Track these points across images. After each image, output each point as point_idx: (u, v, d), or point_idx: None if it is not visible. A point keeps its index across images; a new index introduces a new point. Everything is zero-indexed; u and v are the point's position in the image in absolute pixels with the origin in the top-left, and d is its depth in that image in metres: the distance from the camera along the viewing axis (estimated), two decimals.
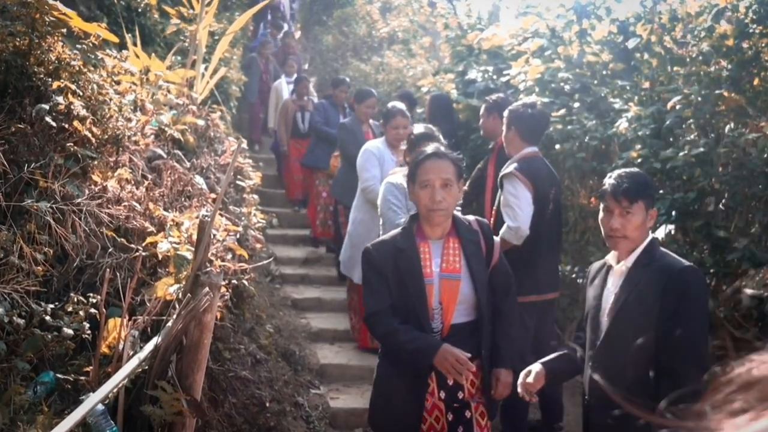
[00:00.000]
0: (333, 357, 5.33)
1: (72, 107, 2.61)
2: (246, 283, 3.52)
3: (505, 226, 4.02)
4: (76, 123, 2.63)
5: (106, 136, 3.05)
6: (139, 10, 6.54)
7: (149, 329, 2.52)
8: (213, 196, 4.22)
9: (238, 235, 4.14)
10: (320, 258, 7.52)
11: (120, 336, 2.40)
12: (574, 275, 5.55)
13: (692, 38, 4.84)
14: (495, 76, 6.42)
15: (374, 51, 11.35)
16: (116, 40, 3.31)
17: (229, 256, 3.62)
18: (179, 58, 6.22)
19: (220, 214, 4.10)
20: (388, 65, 9.72)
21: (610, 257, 2.86)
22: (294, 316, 6.01)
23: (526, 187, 3.98)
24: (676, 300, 2.58)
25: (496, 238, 2.89)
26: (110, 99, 3.07)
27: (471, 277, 2.72)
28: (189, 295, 2.24)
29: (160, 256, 2.59)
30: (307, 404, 4.49)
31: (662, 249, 2.79)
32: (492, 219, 4.30)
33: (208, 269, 2.36)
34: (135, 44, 4.76)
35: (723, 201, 4.28)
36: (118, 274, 2.85)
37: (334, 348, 5.54)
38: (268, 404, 3.86)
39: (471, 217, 2.90)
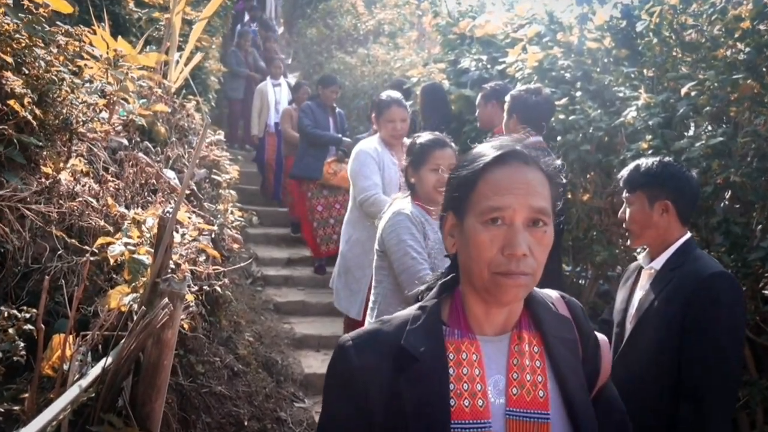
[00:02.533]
0: (318, 366, 4.96)
1: (3, 82, 2.20)
2: (219, 289, 3.13)
3: None
4: (12, 102, 2.22)
5: (57, 121, 2.64)
6: None
7: (100, 347, 2.13)
8: (185, 191, 3.83)
9: (213, 235, 3.76)
10: (304, 258, 7.14)
11: (65, 355, 2.00)
12: (576, 277, 5.20)
13: (701, 21, 4.52)
14: (489, 65, 6.06)
15: (360, 44, 10.99)
16: (69, 9, 2.90)
17: (203, 258, 3.24)
18: (153, 47, 5.84)
19: (193, 212, 3.71)
20: (375, 57, 9.35)
21: (642, 258, 2.54)
22: (276, 321, 5.64)
23: None
24: (702, 310, 2.26)
25: (602, 337, 1.47)
26: (62, 79, 2.67)
27: (570, 417, 1.29)
28: (143, 308, 1.85)
29: (112, 261, 2.19)
30: (291, 419, 4.10)
31: (699, 251, 2.45)
32: None
33: (168, 276, 1.97)
34: (113, 36, 4.36)
35: (738, 195, 3.97)
36: (67, 281, 2.46)
37: (320, 356, 5.17)
38: (246, 422, 3.48)
39: (553, 293, 1.48)
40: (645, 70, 4.91)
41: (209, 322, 3.64)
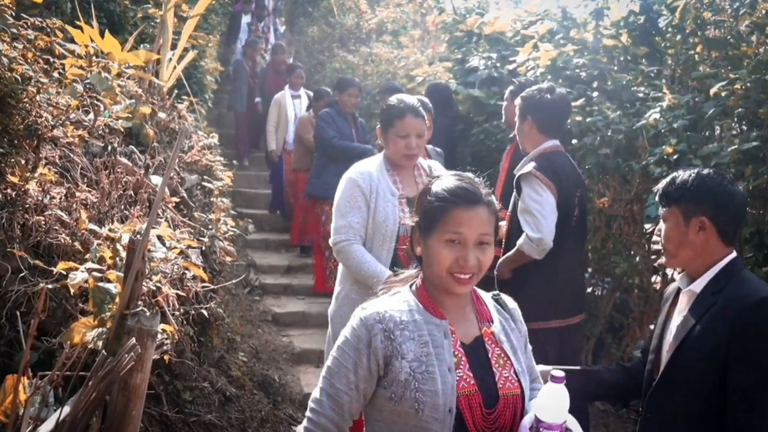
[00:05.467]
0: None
1: None
2: (205, 312, 2.84)
3: (523, 236, 3.36)
4: None
5: (22, 125, 2.35)
6: None
7: (60, 389, 1.84)
8: (175, 199, 3.54)
9: (204, 248, 3.47)
10: (305, 265, 6.84)
11: (18, 399, 1.71)
12: (591, 287, 4.90)
13: (726, 16, 4.23)
14: (499, 64, 5.76)
15: (362, 42, 10.70)
16: (38, 1, 2.61)
17: (191, 275, 2.94)
18: (147, 46, 5.57)
19: (183, 221, 3.43)
20: (378, 56, 9.04)
21: (680, 278, 2.26)
22: (275, 334, 5.34)
23: (549, 190, 3.33)
24: (749, 338, 2.00)
25: None
26: (28, 78, 2.38)
27: None
28: (104, 352, 1.56)
29: (72, 290, 1.90)
30: None
31: (746, 272, 2.17)
32: (505, 227, 3.64)
33: (138, 309, 1.68)
34: (102, 33, 4.07)
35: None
36: (31, 306, 2.17)
37: (320, 372, 4.85)
38: None
39: None
40: (665, 69, 4.62)
41: (199, 343, 3.35)
